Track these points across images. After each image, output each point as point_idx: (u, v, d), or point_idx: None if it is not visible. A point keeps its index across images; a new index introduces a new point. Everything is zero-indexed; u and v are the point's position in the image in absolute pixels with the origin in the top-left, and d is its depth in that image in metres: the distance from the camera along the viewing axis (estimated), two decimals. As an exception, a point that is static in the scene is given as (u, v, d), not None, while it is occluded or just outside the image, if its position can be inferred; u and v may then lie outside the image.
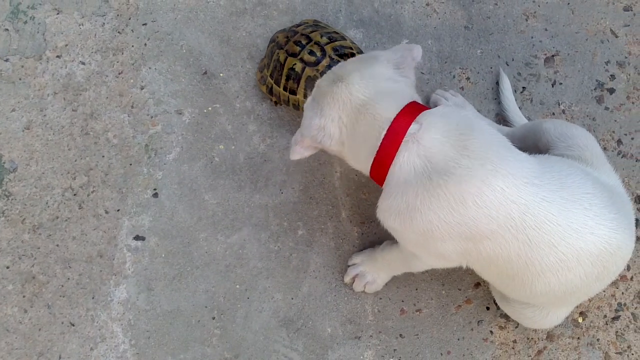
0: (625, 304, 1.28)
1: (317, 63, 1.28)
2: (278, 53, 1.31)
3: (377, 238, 1.30)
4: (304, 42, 1.30)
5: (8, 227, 1.30)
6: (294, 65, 1.29)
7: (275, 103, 1.36)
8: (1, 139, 1.36)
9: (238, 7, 1.45)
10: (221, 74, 1.41)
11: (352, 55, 1.28)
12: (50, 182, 1.34)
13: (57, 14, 1.43)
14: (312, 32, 1.31)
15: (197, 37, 1.43)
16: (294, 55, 1.29)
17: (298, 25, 1.35)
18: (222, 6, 1.45)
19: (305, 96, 1.28)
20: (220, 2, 1.45)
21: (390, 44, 1.42)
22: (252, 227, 1.31)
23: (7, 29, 1.43)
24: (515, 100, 1.37)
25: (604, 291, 1.28)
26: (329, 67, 1.26)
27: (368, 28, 1.43)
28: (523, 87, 1.39)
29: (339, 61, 1.26)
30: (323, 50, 1.28)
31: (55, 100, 1.39)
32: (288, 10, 1.44)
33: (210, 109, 1.39)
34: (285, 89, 1.31)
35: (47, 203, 1.33)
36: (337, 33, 1.33)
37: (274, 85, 1.32)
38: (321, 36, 1.30)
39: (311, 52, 1.28)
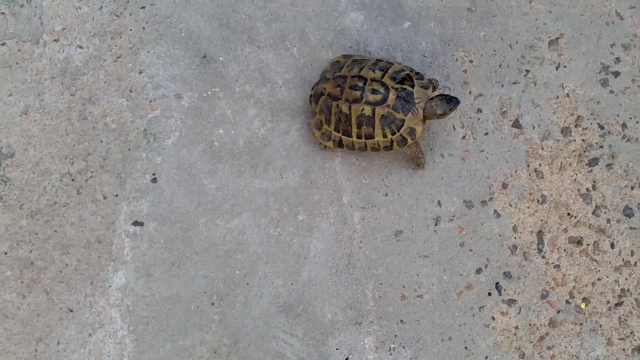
0: (628, 290, 1.27)
1: (384, 100, 1.24)
2: (338, 105, 1.26)
3: (378, 223, 1.29)
4: (360, 84, 1.25)
5: (6, 212, 1.29)
6: (362, 110, 1.25)
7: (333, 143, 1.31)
8: (-2, 123, 1.35)
9: (237, -11, 1.42)
10: (220, 58, 1.39)
11: (409, 77, 1.25)
12: (48, 167, 1.33)
13: (54, -4, 1.42)
14: (360, 70, 1.27)
15: (196, 20, 1.41)
16: (356, 101, 1.25)
17: (337, 69, 1.30)
18: (221, -11, 1.42)
19: (384, 135, 1.25)
20: (219, -15, 1.43)
21: (392, 26, 1.39)
22: (252, 212, 1.30)
23: (3, 12, 1.41)
24: (519, 83, 1.35)
25: (607, 277, 1.27)
26: (398, 98, 1.23)
27: (369, 11, 1.41)
28: (527, 70, 1.37)
29: (403, 89, 1.23)
30: (384, 85, 1.24)
31: (53, 85, 1.37)
32: (288, -8, 1.42)
33: (209, 93, 1.37)
34: (359, 136, 1.26)
35: (45, 188, 1.31)
36: (381, 60, 1.28)
37: (343, 137, 1.28)
38: (372, 70, 1.26)
39: (374, 91, 1.24)
